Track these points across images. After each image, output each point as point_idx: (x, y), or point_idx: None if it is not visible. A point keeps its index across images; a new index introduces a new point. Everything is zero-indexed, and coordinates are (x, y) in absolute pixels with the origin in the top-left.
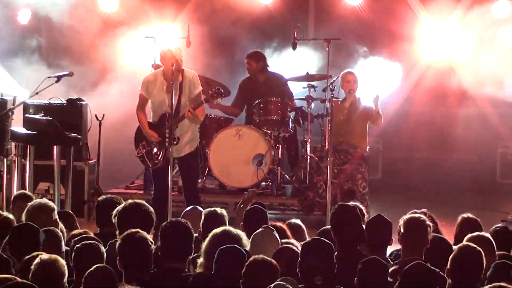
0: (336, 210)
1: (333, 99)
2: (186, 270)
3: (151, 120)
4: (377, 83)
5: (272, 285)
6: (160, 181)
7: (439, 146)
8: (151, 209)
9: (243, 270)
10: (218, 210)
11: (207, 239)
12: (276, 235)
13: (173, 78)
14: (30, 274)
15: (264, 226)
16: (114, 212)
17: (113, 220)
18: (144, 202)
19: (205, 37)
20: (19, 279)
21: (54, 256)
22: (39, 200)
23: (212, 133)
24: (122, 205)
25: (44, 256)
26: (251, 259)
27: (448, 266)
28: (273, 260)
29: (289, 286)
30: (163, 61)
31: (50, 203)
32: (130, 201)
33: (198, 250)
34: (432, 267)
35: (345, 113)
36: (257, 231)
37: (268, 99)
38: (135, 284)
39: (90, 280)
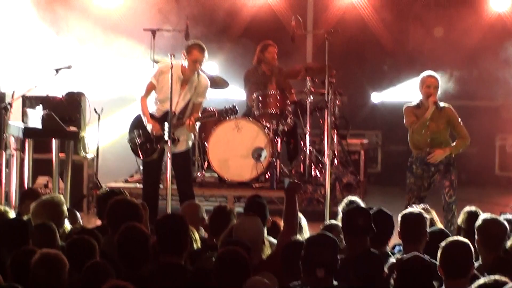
0: (348, 207)
1: (408, 104)
2: (183, 264)
3: (152, 112)
4: None
5: (249, 280)
6: (152, 175)
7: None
8: (138, 203)
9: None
10: (228, 207)
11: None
12: (260, 222)
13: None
14: (31, 269)
15: (246, 213)
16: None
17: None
18: (128, 197)
19: (204, 30)
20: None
21: (54, 251)
22: (47, 196)
23: (211, 126)
24: (111, 200)
25: (45, 251)
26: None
27: (438, 262)
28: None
29: (266, 280)
30: (190, 53)
31: (58, 198)
32: (117, 197)
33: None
34: (429, 260)
35: (426, 123)
36: (241, 218)
37: (267, 92)
38: (131, 279)
39: (87, 275)
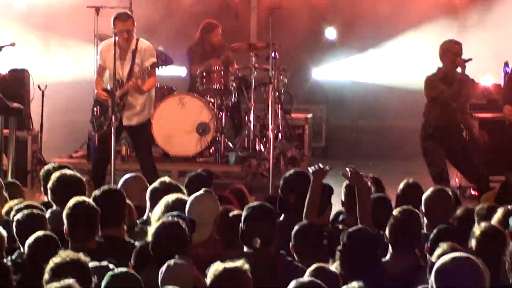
0: (290, 175)
1: (429, 75)
2: (125, 237)
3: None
4: None
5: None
6: (101, 151)
7: (383, 112)
8: (81, 177)
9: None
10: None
11: (159, 206)
12: (215, 198)
13: (124, 44)
14: None
15: (204, 189)
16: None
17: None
18: (71, 171)
19: (148, 7)
20: None
21: None
22: None
23: (155, 102)
24: (54, 175)
25: None
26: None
27: (387, 231)
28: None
29: (184, 262)
30: (115, 26)
31: None
32: (61, 171)
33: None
34: (372, 231)
35: (453, 90)
36: (196, 194)
37: (211, 68)
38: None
39: (32, 248)
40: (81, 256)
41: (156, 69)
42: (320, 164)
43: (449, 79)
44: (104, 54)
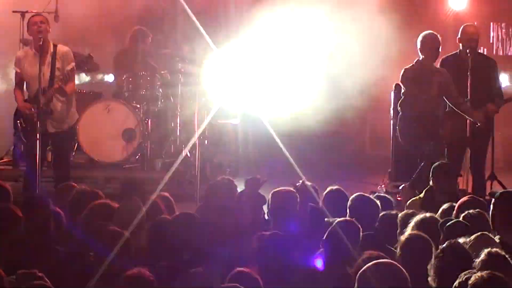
0: (214, 182)
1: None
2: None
3: (27, 97)
4: None
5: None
6: (32, 159)
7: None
8: (5, 184)
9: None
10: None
11: None
12: (141, 205)
13: (41, 49)
14: None
15: (127, 196)
16: None
17: None
18: None
19: (75, 12)
20: None
21: None
22: None
23: (81, 108)
24: None
25: None
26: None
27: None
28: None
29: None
30: (30, 31)
31: None
32: None
33: None
34: (282, 236)
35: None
36: (122, 201)
37: (137, 73)
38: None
39: None
40: None
41: (83, 73)
42: (257, 176)
43: (425, 71)
44: (22, 62)
